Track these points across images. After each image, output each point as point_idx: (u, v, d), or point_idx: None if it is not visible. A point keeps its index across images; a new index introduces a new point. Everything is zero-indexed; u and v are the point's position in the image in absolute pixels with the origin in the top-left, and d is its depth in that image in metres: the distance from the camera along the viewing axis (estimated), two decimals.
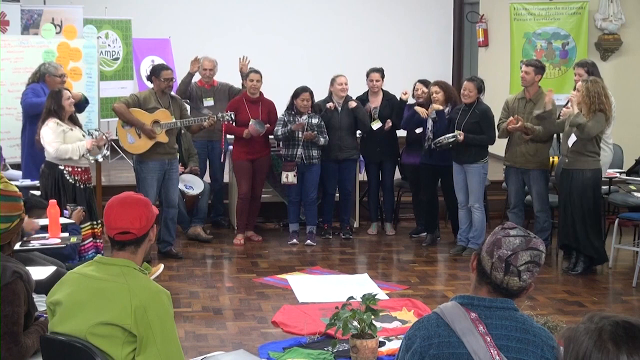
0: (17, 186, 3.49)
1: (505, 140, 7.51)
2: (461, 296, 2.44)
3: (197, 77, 8.38)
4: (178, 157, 7.60)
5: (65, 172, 6.49)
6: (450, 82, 10.42)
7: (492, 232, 2.46)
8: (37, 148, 6.64)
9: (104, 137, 6.76)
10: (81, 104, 7.48)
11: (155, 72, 7.28)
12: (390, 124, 8.08)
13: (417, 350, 2.37)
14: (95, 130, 6.93)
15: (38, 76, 7.48)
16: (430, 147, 7.59)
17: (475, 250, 2.51)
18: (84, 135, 6.67)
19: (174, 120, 7.20)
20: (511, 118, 7.21)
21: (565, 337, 1.72)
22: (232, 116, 7.53)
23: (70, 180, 6.50)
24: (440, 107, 7.61)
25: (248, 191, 7.91)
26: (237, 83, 8.28)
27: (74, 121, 6.68)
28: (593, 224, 6.82)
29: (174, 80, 7.35)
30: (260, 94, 7.93)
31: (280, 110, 8.04)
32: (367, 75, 8.24)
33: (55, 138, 6.41)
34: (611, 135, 7.33)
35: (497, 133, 7.48)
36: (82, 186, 6.56)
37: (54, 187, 6.44)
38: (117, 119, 7.36)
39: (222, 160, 8.27)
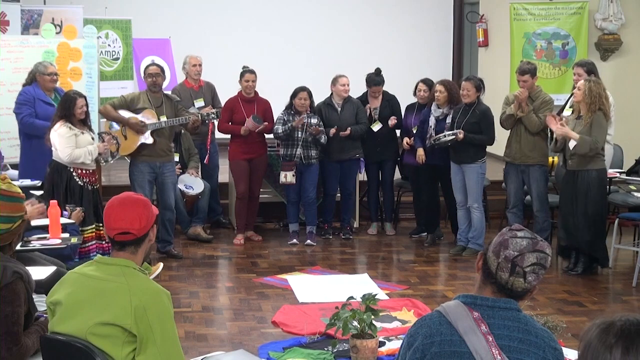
0: (16, 186, 3.49)
1: (505, 140, 7.51)
2: (464, 295, 2.44)
3: (182, 78, 8.34)
4: (174, 159, 7.57)
5: (74, 174, 6.54)
6: None
7: (499, 232, 2.47)
8: (47, 146, 6.69)
9: (113, 140, 6.80)
10: None
11: (144, 71, 7.38)
12: (395, 121, 8.07)
13: (419, 347, 2.38)
14: (105, 133, 6.94)
15: (31, 77, 7.50)
16: (432, 147, 7.58)
17: (480, 250, 2.52)
18: (93, 139, 6.69)
19: (159, 120, 7.18)
20: (520, 90, 7.18)
21: (584, 330, 1.77)
22: (217, 113, 7.50)
23: (79, 183, 6.56)
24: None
25: (246, 191, 7.90)
26: (235, 83, 8.21)
27: (85, 123, 6.71)
28: (599, 224, 6.79)
29: (160, 76, 7.26)
30: (255, 93, 7.92)
31: (276, 109, 8.03)
32: (369, 85, 8.16)
33: (67, 143, 6.47)
34: (613, 134, 7.34)
35: (496, 135, 7.49)
36: (89, 188, 6.61)
37: (61, 188, 6.49)
38: (106, 121, 7.41)
39: (205, 161, 8.21)
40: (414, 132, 7.89)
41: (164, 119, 7.20)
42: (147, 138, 7.16)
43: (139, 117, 7.17)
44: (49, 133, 6.59)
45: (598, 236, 6.80)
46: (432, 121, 7.67)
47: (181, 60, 9.01)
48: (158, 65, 7.53)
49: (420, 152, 7.72)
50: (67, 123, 6.52)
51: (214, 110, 7.53)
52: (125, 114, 7.19)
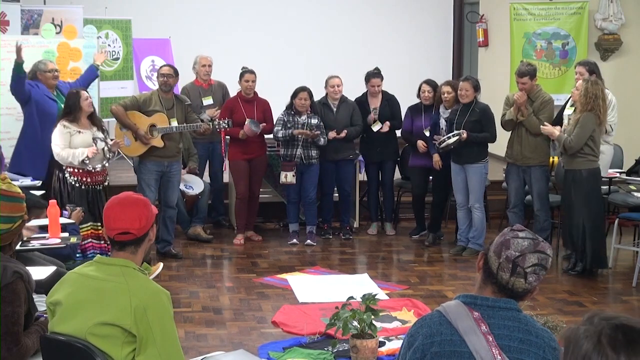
0: (17, 186, 3.49)
1: (506, 140, 7.52)
2: (465, 295, 2.44)
3: (193, 77, 8.37)
4: (180, 159, 7.59)
5: (67, 172, 6.59)
6: None
7: (501, 232, 2.47)
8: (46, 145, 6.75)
9: (107, 146, 6.73)
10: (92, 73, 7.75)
11: (157, 71, 7.42)
12: (388, 127, 8.05)
13: (419, 347, 2.38)
14: (100, 139, 6.80)
15: (31, 75, 7.53)
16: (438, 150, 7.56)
17: (481, 250, 2.52)
18: (94, 140, 6.66)
19: (171, 125, 7.19)
20: (519, 92, 7.18)
21: (564, 337, 1.73)
22: (229, 123, 7.53)
23: (70, 181, 6.57)
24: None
25: (246, 191, 7.91)
26: (235, 83, 8.23)
27: (93, 121, 6.72)
28: (592, 225, 6.73)
29: (171, 77, 7.29)
30: (255, 93, 7.92)
31: (276, 109, 8.04)
32: (367, 80, 8.18)
33: (59, 142, 6.54)
34: (614, 134, 7.35)
35: (497, 131, 7.49)
36: (83, 187, 6.61)
37: (57, 186, 6.54)
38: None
39: (224, 169, 8.25)
40: (427, 135, 7.83)
41: (174, 121, 7.21)
42: (157, 142, 7.19)
43: (149, 120, 7.18)
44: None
45: (592, 239, 6.74)
46: (442, 123, 7.66)
47: (181, 60, 9.03)
48: (171, 66, 7.56)
49: (437, 157, 7.71)
50: (64, 121, 6.54)
51: (226, 120, 7.54)
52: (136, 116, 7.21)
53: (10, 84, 7.41)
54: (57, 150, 6.55)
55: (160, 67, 7.54)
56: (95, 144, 6.65)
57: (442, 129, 7.61)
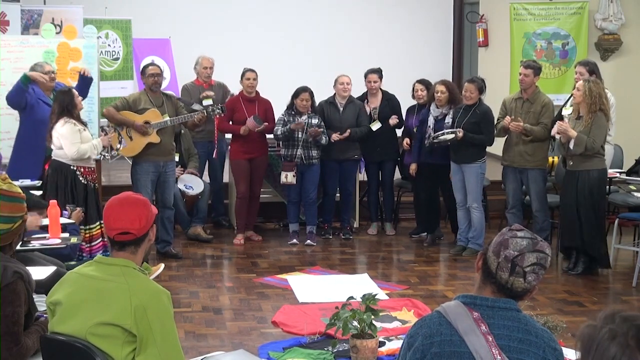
0: (17, 186, 3.48)
1: (504, 140, 7.52)
2: (464, 295, 2.44)
3: (194, 77, 8.38)
4: (176, 158, 7.59)
5: (77, 172, 6.54)
6: None
7: (500, 232, 2.47)
8: (47, 146, 6.67)
9: (115, 133, 6.79)
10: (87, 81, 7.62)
11: (142, 71, 7.40)
12: (397, 120, 8.09)
13: (419, 348, 2.38)
14: (108, 127, 6.92)
15: None
16: (431, 146, 7.58)
17: (480, 250, 2.52)
18: (103, 129, 6.71)
19: (164, 119, 7.19)
20: (507, 117, 7.23)
21: (583, 336, 1.70)
22: (222, 109, 7.54)
23: (83, 181, 6.55)
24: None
25: (246, 191, 7.91)
26: (235, 83, 8.24)
27: (80, 119, 6.72)
28: (600, 224, 6.83)
29: (161, 76, 7.32)
30: (257, 93, 7.93)
31: (278, 109, 8.04)
32: (365, 76, 8.25)
33: (73, 139, 6.46)
34: (613, 134, 7.36)
35: (495, 133, 7.50)
36: (92, 185, 6.62)
37: (64, 187, 6.48)
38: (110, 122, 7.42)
39: (214, 156, 8.24)
40: (415, 131, 7.90)
41: (166, 116, 7.21)
42: (153, 138, 7.18)
43: (143, 117, 7.18)
44: (50, 132, 6.57)
45: (598, 236, 6.82)
46: (430, 121, 7.68)
47: (181, 60, 9.02)
48: (157, 65, 7.58)
49: (413, 167, 7.85)
50: (70, 119, 6.50)
51: (219, 105, 7.55)
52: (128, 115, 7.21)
53: (8, 94, 7.35)
54: (74, 148, 6.43)
55: (147, 68, 7.40)
56: (106, 133, 6.67)
57: (430, 126, 7.62)
